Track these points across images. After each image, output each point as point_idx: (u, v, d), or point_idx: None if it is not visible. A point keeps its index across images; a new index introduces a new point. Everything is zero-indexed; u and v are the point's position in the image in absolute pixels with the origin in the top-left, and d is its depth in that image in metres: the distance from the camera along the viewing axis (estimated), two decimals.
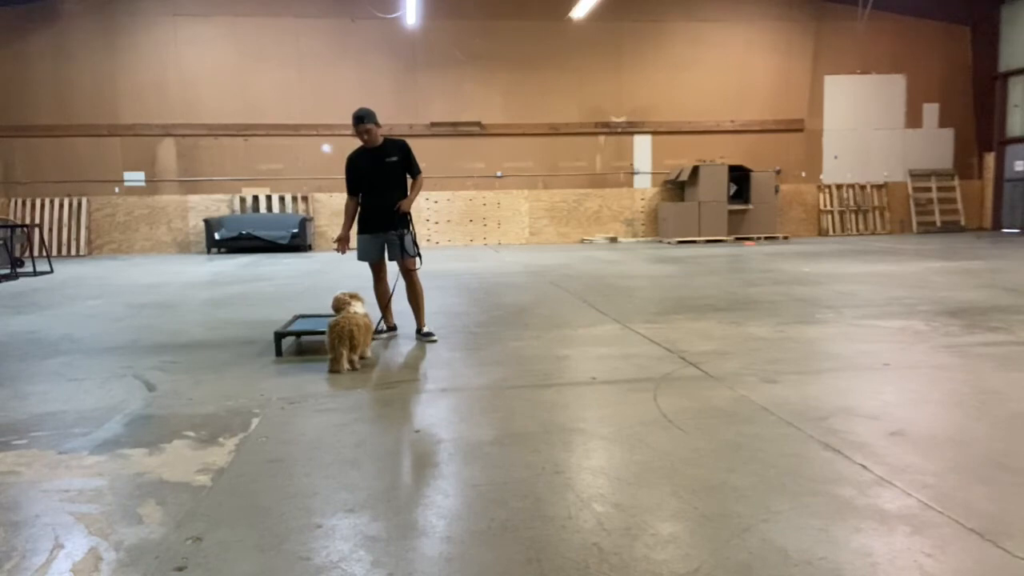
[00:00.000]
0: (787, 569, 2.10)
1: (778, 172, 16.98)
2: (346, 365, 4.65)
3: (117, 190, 16.18)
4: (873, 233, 17.88)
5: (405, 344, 5.58)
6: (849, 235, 17.71)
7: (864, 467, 2.85)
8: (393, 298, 5.91)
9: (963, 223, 18.02)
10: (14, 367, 4.98)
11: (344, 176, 5.78)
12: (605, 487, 2.74)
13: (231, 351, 5.37)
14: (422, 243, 17.89)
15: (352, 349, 4.68)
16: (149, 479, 2.89)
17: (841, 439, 3.17)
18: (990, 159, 17.92)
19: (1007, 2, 17.25)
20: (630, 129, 17.26)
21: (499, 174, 17.01)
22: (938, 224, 17.98)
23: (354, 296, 5.07)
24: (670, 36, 17.17)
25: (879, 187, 18.09)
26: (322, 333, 5.39)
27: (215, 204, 16.42)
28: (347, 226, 5.81)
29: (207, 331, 6.25)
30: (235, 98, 16.19)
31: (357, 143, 5.72)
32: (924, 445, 3.11)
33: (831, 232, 17.90)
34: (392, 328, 5.92)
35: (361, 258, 5.82)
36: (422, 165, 5.84)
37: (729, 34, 17.27)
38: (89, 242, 16.06)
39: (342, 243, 5.79)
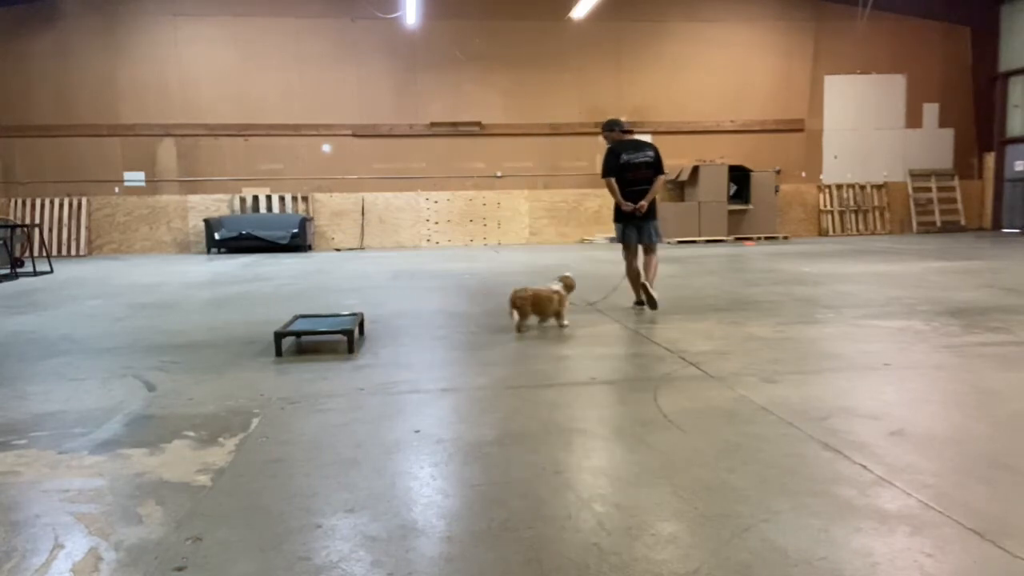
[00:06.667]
0: (787, 569, 2.10)
1: (778, 172, 16.97)
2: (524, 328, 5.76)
3: (117, 190, 16.18)
4: (873, 233, 17.88)
5: (405, 344, 5.58)
6: (849, 235, 17.71)
7: (864, 467, 2.85)
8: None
9: (963, 223, 18.01)
10: (14, 367, 4.98)
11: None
12: (605, 487, 2.74)
13: (231, 351, 5.37)
14: (421, 243, 17.95)
15: (539, 316, 5.89)
16: (149, 479, 2.89)
17: (841, 439, 3.17)
18: (990, 159, 17.92)
19: (1007, 2, 17.25)
20: (630, 129, 17.22)
21: (499, 174, 17.01)
22: (938, 224, 17.98)
23: (565, 278, 6.06)
24: (670, 36, 17.17)
25: (879, 187, 18.09)
26: (322, 333, 5.41)
27: (215, 204, 16.42)
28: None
29: (207, 331, 6.25)
30: (235, 98, 16.18)
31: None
32: (924, 445, 3.11)
33: (831, 232, 17.90)
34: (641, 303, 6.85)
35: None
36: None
37: (729, 34, 17.28)
38: (89, 242, 16.06)
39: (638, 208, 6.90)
